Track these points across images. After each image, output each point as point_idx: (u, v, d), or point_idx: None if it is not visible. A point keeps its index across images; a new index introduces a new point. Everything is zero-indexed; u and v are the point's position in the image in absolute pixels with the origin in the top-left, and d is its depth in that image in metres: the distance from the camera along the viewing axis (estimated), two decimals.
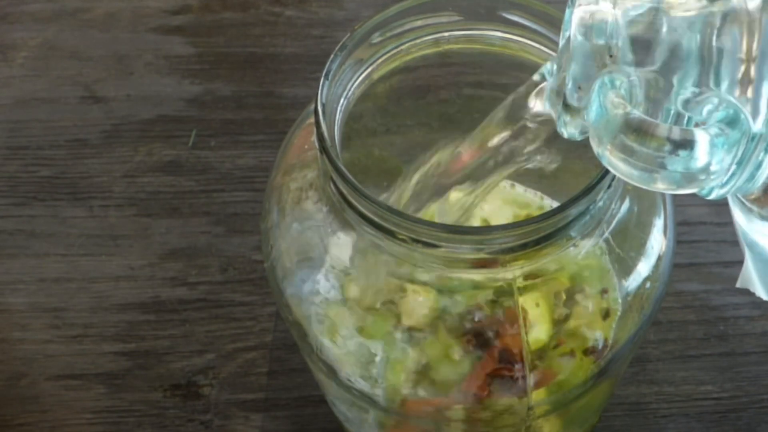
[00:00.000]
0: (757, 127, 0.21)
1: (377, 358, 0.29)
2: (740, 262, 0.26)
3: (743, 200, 0.24)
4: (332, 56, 0.28)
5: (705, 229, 0.46)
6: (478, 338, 0.28)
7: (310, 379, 0.37)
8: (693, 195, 0.49)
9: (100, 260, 0.46)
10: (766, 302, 0.43)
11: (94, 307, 0.45)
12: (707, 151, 0.21)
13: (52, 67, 0.53)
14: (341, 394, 0.31)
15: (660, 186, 0.22)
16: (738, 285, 0.28)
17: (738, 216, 0.25)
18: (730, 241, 0.45)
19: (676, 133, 0.21)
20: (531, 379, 0.29)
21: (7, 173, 0.49)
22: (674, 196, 0.31)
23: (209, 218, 0.47)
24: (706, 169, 0.21)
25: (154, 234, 0.47)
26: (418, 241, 0.25)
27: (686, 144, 0.21)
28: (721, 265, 0.45)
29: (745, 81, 0.21)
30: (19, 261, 0.46)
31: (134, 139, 0.50)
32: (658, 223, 0.30)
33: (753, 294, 0.45)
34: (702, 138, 0.21)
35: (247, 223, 0.47)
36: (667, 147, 0.21)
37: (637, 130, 0.21)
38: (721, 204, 0.46)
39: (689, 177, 0.22)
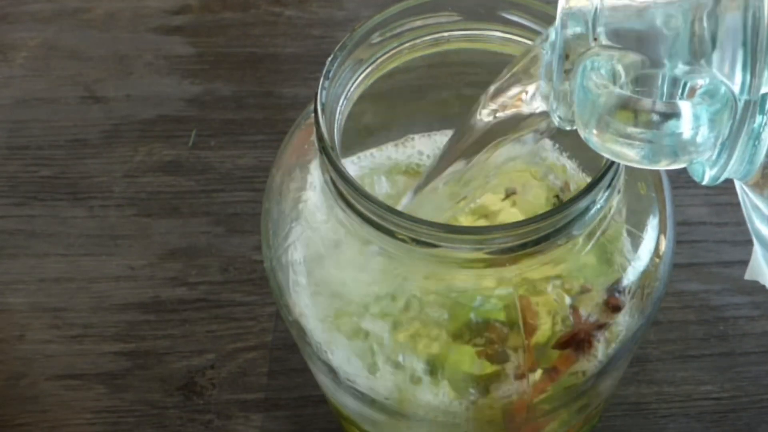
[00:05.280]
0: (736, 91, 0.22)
1: (377, 358, 0.29)
2: (740, 262, 0.26)
3: (745, 188, 0.24)
4: (332, 56, 0.28)
5: (705, 229, 0.46)
6: (479, 338, 0.28)
7: (310, 379, 0.37)
8: (693, 195, 0.49)
9: (100, 260, 0.46)
10: (766, 302, 0.43)
11: (94, 307, 0.45)
12: (691, 121, 0.21)
13: (52, 67, 0.53)
14: (341, 394, 0.31)
15: (649, 163, 0.22)
16: (746, 277, 0.28)
17: (744, 206, 0.25)
18: (730, 241, 0.45)
19: (660, 107, 0.21)
20: (531, 379, 0.29)
21: (7, 173, 0.49)
22: (674, 195, 0.31)
23: (209, 218, 0.47)
24: (692, 141, 0.21)
25: (154, 234, 0.47)
26: (417, 241, 0.25)
27: (670, 116, 0.21)
28: (721, 265, 0.45)
29: (727, 59, 0.22)
30: (19, 261, 0.46)
31: (134, 139, 0.50)
32: (658, 223, 0.30)
33: (753, 294, 0.45)
34: (685, 108, 0.21)
35: (247, 223, 0.47)
36: (653, 120, 0.21)
37: (622, 107, 0.22)
38: (721, 204, 0.46)
39: (677, 150, 0.22)
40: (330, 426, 0.41)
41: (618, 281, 0.29)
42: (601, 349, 0.29)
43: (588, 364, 0.29)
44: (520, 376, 0.29)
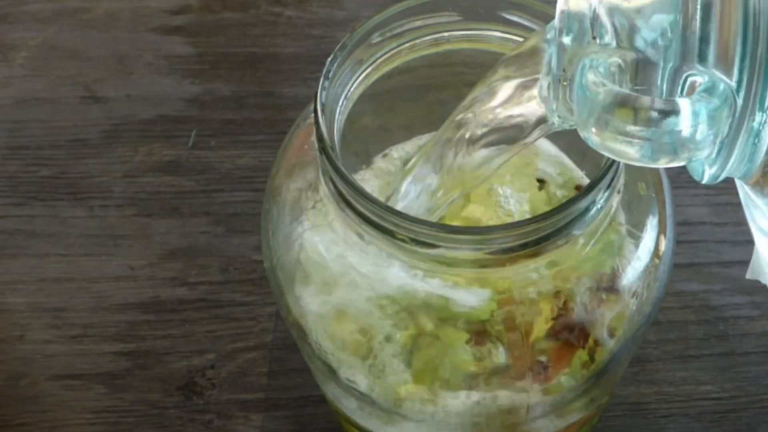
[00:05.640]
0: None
1: (377, 358, 0.29)
2: (740, 262, 0.26)
3: (746, 187, 0.24)
4: (332, 56, 0.28)
5: (705, 229, 0.46)
6: (478, 338, 0.28)
7: (310, 379, 0.37)
8: (693, 195, 0.49)
9: (100, 260, 0.46)
10: (766, 302, 0.43)
11: (94, 307, 0.45)
12: (690, 119, 0.21)
13: (52, 67, 0.53)
14: (341, 394, 0.31)
15: (649, 161, 0.22)
16: (748, 276, 0.28)
17: (746, 205, 0.25)
18: (730, 241, 0.45)
19: (659, 104, 0.21)
20: (531, 379, 0.29)
21: (7, 173, 0.49)
22: (674, 195, 0.31)
23: (209, 218, 0.47)
24: (692, 138, 0.21)
25: (154, 234, 0.47)
26: (417, 241, 0.25)
27: (669, 113, 0.21)
28: (721, 265, 0.45)
29: (724, 57, 0.22)
30: (19, 261, 0.46)
31: (134, 139, 0.50)
32: (658, 223, 0.30)
33: (753, 294, 0.45)
34: (684, 105, 0.21)
35: (247, 223, 0.47)
36: (651, 117, 0.21)
37: (620, 105, 0.21)
38: (721, 204, 0.46)
39: (677, 147, 0.22)
40: (330, 426, 0.41)
41: (616, 279, 0.29)
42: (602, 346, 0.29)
43: (588, 363, 0.29)
44: (520, 377, 0.29)
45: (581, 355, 0.29)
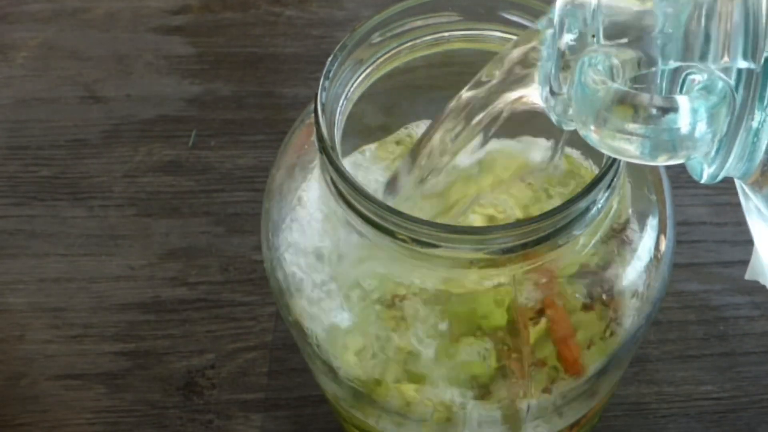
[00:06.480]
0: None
1: (378, 358, 0.29)
2: (740, 262, 0.26)
3: (745, 187, 0.24)
4: (332, 56, 0.28)
5: (705, 229, 0.46)
6: (478, 338, 0.28)
7: (310, 379, 0.37)
8: (693, 195, 0.49)
9: (100, 260, 0.46)
10: (766, 302, 0.43)
11: (94, 307, 0.45)
12: (689, 116, 0.21)
13: (52, 67, 0.53)
14: (341, 394, 0.31)
15: (649, 158, 0.22)
16: (747, 277, 0.28)
17: (745, 206, 0.25)
18: (730, 241, 0.45)
19: (657, 101, 0.21)
20: (531, 379, 0.29)
21: (7, 173, 0.49)
22: (674, 195, 0.31)
23: (209, 218, 0.47)
24: (690, 136, 0.21)
25: (154, 234, 0.47)
26: (417, 241, 0.25)
27: (668, 110, 0.21)
28: (721, 265, 0.45)
29: (725, 51, 0.22)
30: (19, 261, 0.46)
31: (134, 139, 0.50)
32: (658, 223, 0.30)
33: (753, 294, 0.45)
34: (683, 102, 0.21)
35: (247, 223, 0.47)
36: (650, 115, 0.21)
37: (619, 102, 0.21)
38: (721, 204, 0.46)
39: (675, 144, 0.22)
40: (330, 426, 0.41)
41: (616, 279, 0.29)
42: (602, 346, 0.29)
43: (588, 363, 0.29)
44: (520, 376, 0.29)
45: (582, 355, 0.29)
